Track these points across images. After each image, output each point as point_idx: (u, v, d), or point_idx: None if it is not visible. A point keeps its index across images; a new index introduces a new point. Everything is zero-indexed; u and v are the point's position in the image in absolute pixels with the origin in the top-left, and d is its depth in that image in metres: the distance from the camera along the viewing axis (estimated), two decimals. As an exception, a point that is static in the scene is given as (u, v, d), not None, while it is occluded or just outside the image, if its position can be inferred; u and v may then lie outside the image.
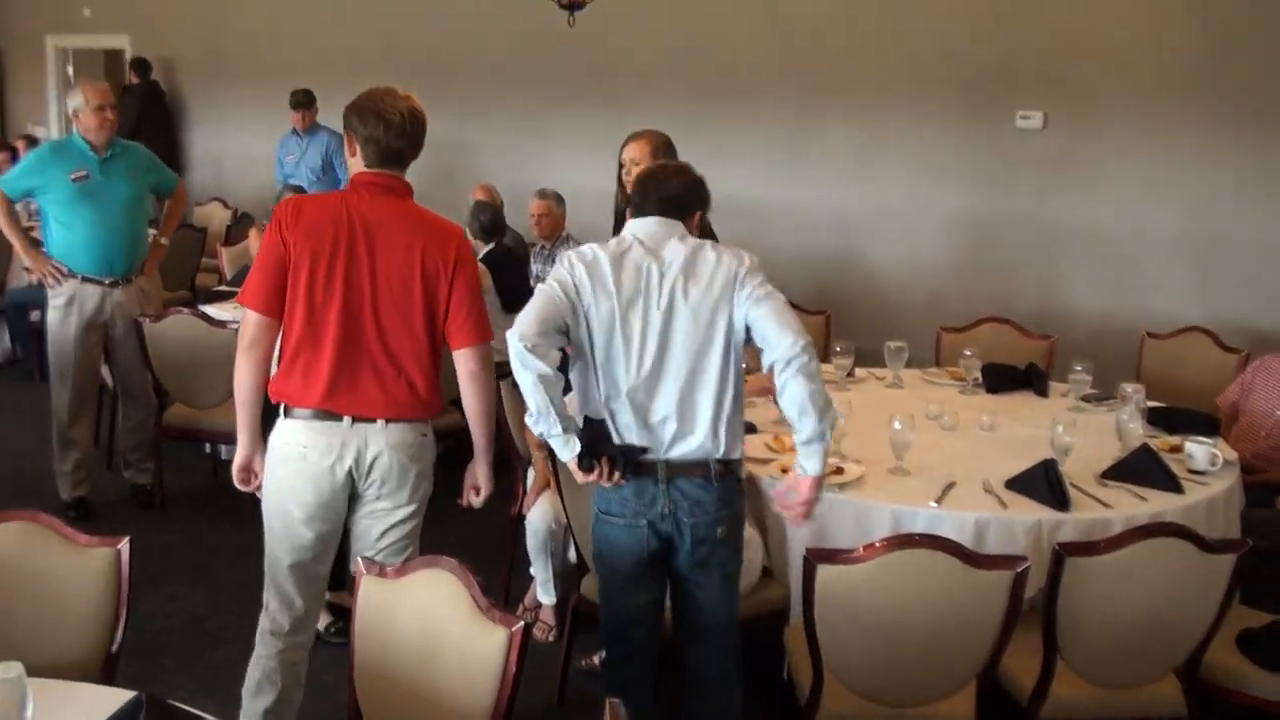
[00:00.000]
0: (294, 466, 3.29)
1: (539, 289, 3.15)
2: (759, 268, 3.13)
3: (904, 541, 3.06)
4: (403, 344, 3.27)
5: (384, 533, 3.40)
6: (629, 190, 3.77)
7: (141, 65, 11.60)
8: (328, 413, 3.26)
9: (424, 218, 3.34)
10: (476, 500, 3.57)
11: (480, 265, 4.87)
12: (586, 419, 3.17)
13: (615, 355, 3.10)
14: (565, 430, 3.06)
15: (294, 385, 3.27)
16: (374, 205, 3.26)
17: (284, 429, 3.31)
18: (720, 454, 3.14)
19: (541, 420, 3.04)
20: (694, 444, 3.11)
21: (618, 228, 5.04)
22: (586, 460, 3.09)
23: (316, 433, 3.27)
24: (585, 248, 3.20)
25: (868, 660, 3.17)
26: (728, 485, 3.18)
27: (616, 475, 3.12)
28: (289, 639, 3.45)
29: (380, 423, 3.28)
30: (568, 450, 3.09)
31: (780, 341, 2.99)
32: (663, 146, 4.80)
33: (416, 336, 3.28)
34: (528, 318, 3.04)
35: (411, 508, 3.41)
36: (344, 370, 3.23)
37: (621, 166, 4.84)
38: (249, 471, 3.41)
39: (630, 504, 3.15)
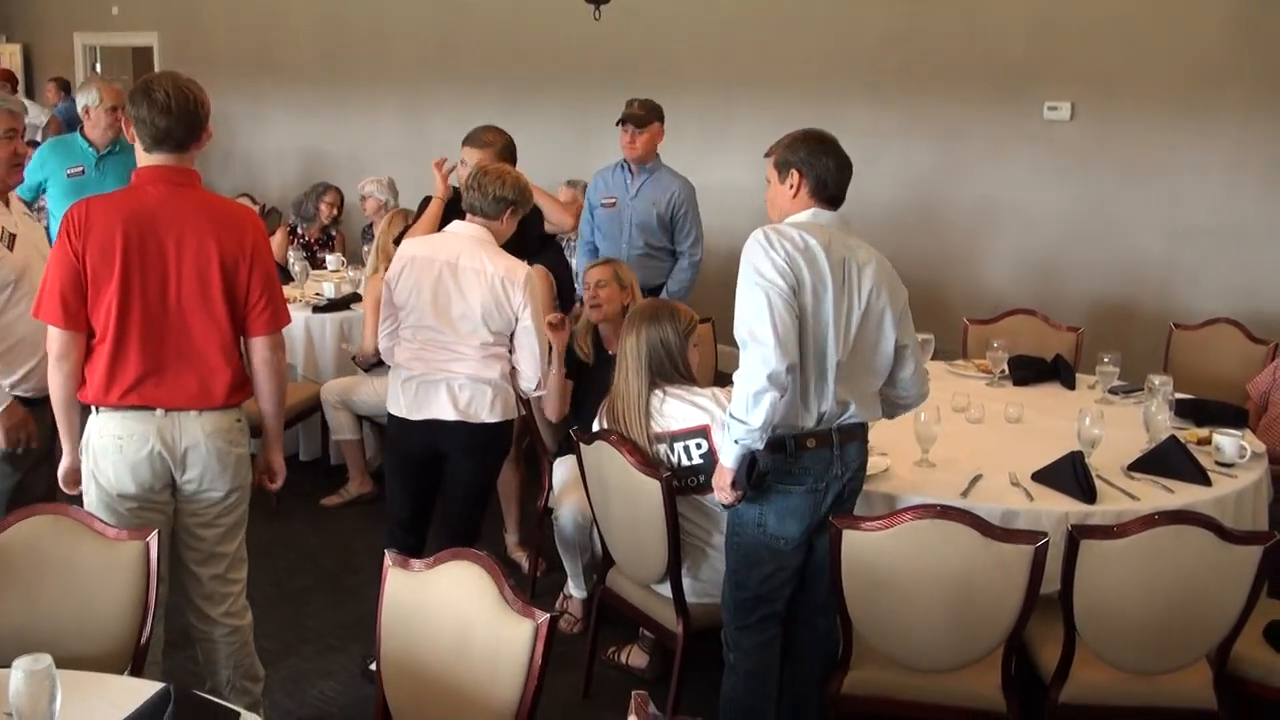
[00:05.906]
0: (112, 458, 3.30)
1: (767, 300, 3.10)
2: None
3: (925, 511, 3.17)
4: (210, 336, 3.30)
5: (218, 516, 3.46)
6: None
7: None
8: (139, 406, 3.28)
9: (218, 207, 3.36)
10: (273, 486, 3.69)
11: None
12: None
13: (825, 338, 3.24)
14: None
15: (102, 384, 3.27)
16: (165, 199, 3.24)
17: (97, 423, 3.33)
18: (874, 418, 3.47)
19: (760, 435, 3.14)
20: (861, 413, 3.37)
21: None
22: (747, 466, 3.20)
23: (130, 422, 3.29)
24: (792, 234, 3.21)
25: (893, 624, 3.29)
26: (866, 442, 3.48)
27: (739, 493, 3.26)
28: None
29: (194, 413, 3.32)
30: (742, 448, 3.18)
31: (921, 386, 3.51)
32: (507, 149, 4.75)
33: (221, 327, 3.31)
34: (789, 341, 3.11)
35: (239, 489, 3.48)
36: (151, 367, 3.25)
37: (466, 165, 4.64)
38: (76, 474, 3.45)
39: (811, 471, 3.33)
